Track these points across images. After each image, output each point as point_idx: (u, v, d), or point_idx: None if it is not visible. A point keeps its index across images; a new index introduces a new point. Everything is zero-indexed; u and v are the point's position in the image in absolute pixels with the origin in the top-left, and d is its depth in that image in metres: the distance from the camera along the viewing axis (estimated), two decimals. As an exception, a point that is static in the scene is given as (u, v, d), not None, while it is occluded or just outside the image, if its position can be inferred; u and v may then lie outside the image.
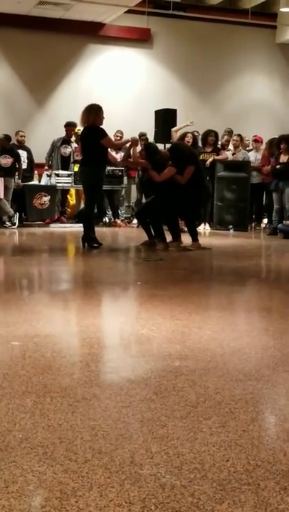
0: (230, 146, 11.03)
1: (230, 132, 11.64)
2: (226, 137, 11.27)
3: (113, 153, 10.84)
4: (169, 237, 7.47)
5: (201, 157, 10.56)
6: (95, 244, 7.10)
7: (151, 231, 7.50)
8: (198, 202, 7.78)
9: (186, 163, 7.18)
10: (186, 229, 7.93)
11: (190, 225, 7.60)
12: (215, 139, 10.54)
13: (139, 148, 7.81)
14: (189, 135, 9.04)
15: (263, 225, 11.22)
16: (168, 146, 10.10)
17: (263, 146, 11.19)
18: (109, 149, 9.24)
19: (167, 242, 7.32)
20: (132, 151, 7.49)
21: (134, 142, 7.55)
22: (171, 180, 7.14)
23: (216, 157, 10.35)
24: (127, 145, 7.69)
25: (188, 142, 8.81)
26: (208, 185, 7.94)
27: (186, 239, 7.53)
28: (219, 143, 10.96)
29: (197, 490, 1.52)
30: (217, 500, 1.47)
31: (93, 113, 6.97)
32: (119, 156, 10.67)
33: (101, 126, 7.01)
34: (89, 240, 7.09)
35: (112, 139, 11.22)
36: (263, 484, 1.55)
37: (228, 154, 10.72)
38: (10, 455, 1.69)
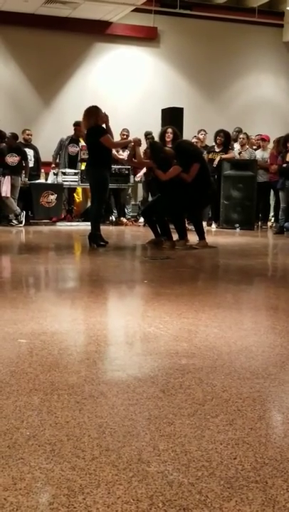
0: (237, 145, 11.01)
1: (239, 131, 11.63)
2: (241, 135, 11.22)
3: (120, 152, 10.86)
4: (175, 236, 7.47)
5: (210, 156, 10.57)
6: (102, 243, 7.12)
7: (157, 229, 7.50)
8: (204, 200, 7.77)
9: (191, 161, 7.17)
10: (191, 227, 7.92)
11: (196, 223, 7.59)
12: (224, 138, 10.50)
13: (143, 147, 7.80)
14: (169, 130, 8.96)
15: (269, 224, 11.20)
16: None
17: (270, 145, 11.16)
18: (114, 150, 9.24)
19: (174, 241, 7.32)
20: (136, 151, 7.50)
21: (136, 143, 7.54)
22: (176, 179, 7.14)
23: (223, 156, 10.33)
24: (130, 145, 7.69)
25: (169, 138, 8.74)
26: (213, 182, 7.90)
27: (192, 237, 7.53)
28: (236, 144, 10.95)
29: (205, 487, 1.51)
30: (225, 497, 1.47)
31: (92, 115, 7.02)
32: (125, 154, 10.66)
33: (102, 126, 7.03)
34: (96, 239, 7.11)
35: (119, 137, 11.27)
36: (270, 482, 1.55)
37: (235, 153, 10.70)
38: (18, 452, 1.69)
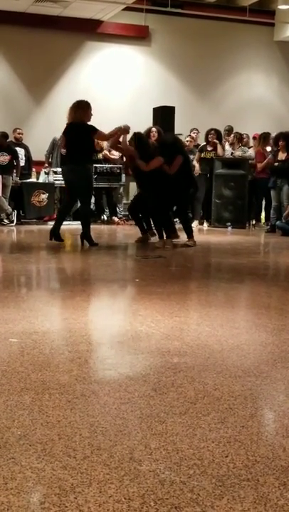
0: (227, 145, 11.03)
1: (230, 130, 11.65)
2: (232, 135, 11.23)
3: (113, 152, 10.81)
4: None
5: (202, 155, 10.57)
6: (96, 242, 7.09)
7: (144, 226, 7.52)
8: (186, 197, 7.70)
9: (174, 154, 7.15)
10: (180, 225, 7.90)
11: (185, 222, 7.58)
12: (216, 136, 10.52)
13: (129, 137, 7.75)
14: (154, 129, 8.96)
15: (253, 222, 11.12)
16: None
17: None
18: (105, 150, 9.16)
19: (164, 240, 7.31)
20: (122, 138, 7.44)
21: (125, 130, 7.48)
22: (159, 174, 7.07)
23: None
24: (118, 131, 7.60)
25: (154, 137, 8.75)
26: (195, 178, 7.88)
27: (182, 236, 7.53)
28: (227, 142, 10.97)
29: (196, 486, 1.51)
30: (216, 496, 1.47)
31: (81, 109, 6.89)
32: (117, 154, 10.61)
33: (89, 123, 6.97)
34: (88, 238, 7.08)
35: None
36: (262, 480, 1.55)
37: (225, 149, 10.71)
38: (9, 452, 1.69)
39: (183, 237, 7.50)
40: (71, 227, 9.81)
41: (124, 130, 7.43)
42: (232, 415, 1.98)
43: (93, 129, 6.90)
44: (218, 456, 1.68)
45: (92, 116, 7.01)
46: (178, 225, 7.85)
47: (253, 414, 2.00)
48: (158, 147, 7.32)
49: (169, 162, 7.09)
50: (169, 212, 7.62)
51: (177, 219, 8.16)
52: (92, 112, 7.00)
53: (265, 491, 1.49)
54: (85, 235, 7.11)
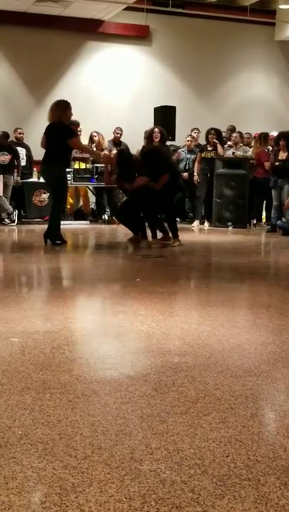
0: (230, 144, 11.01)
1: (232, 130, 11.64)
2: (234, 135, 11.22)
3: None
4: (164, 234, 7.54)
5: (203, 155, 10.56)
6: (58, 241, 7.03)
7: (133, 226, 7.56)
8: (172, 200, 7.67)
9: (161, 172, 7.13)
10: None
11: (170, 221, 7.60)
12: (216, 136, 10.51)
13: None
14: (156, 130, 8.96)
15: (254, 222, 11.08)
16: (168, 143, 10.08)
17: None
18: (107, 151, 9.14)
19: (155, 240, 7.37)
20: (110, 168, 7.53)
21: (106, 159, 7.50)
22: (143, 189, 7.18)
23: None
24: (102, 163, 7.68)
25: (156, 138, 8.75)
26: (182, 184, 7.87)
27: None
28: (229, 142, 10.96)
29: (197, 485, 1.51)
30: (217, 495, 1.47)
31: (60, 109, 6.87)
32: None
33: (72, 127, 6.99)
34: (52, 237, 7.00)
35: (112, 136, 11.25)
36: (263, 480, 1.55)
37: (226, 150, 10.70)
38: (9, 451, 1.69)
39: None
40: (72, 226, 9.82)
41: (106, 160, 7.45)
42: (233, 415, 1.98)
43: (71, 135, 6.86)
44: (219, 456, 1.68)
45: (72, 116, 7.02)
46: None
47: (254, 413, 2.00)
48: (142, 160, 7.32)
49: (155, 176, 7.09)
50: (157, 214, 7.67)
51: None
52: (72, 112, 6.98)
53: (266, 491, 1.49)
54: (49, 233, 7.04)
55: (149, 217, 7.62)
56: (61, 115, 6.86)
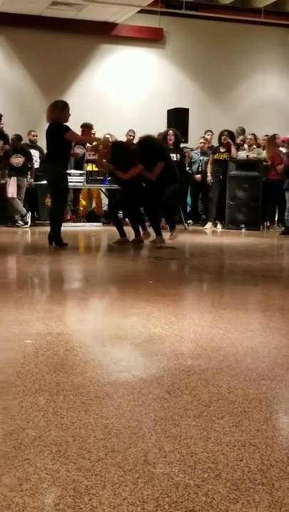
0: (245, 146, 11.00)
1: (242, 131, 11.62)
2: (241, 137, 11.24)
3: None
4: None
5: (216, 157, 10.55)
6: (63, 243, 7.02)
7: (123, 229, 7.56)
8: (173, 195, 7.64)
9: (156, 159, 7.13)
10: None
11: (153, 219, 7.58)
12: (229, 138, 10.50)
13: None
14: (171, 132, 8.93)
15: (267, 224, 11.04)
16: (182, 145, 10.09)
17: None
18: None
19: (160, 237, 7.38)
20: (101, 152, 7.49)
21: (104, 143, 7.48)
22: (140, 177, 7.14)
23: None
24: (100, 147, 7.63)
25: (171, 140, 8.71)
26: (180, 179, 7.83)
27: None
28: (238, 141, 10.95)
29: (211, 489, 1.51)
30: (231, 499, 1.46)
31: (57, 110, 6.90)
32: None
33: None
34: (57, 239, 7.01)
35: (125, 138, 11.24)
36: (277, 484, 1.54)
37: (240, 152, 10.68)
38: (23, 453, 1.69)
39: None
40: (85, 228, 9.84)
41: (104, 144, 7.43)
42: (246, 419, 1.97)
43: (65, 129, 6.85)
44: (233, 460, 1.67)
45: (69, 117, 6.99)
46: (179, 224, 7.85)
47: (268, 417, 1.99)
48: (139, 151, 7.31)
49: (150, 166, 7.09)
50: (156, 212, 7.65)
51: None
52: (69, 113, 6.99)
53: (280, 496, 1.48)
54: (54, 235, 7.03)
55: (148, 212, 7.56)
56: (58, 115, 6.89)
